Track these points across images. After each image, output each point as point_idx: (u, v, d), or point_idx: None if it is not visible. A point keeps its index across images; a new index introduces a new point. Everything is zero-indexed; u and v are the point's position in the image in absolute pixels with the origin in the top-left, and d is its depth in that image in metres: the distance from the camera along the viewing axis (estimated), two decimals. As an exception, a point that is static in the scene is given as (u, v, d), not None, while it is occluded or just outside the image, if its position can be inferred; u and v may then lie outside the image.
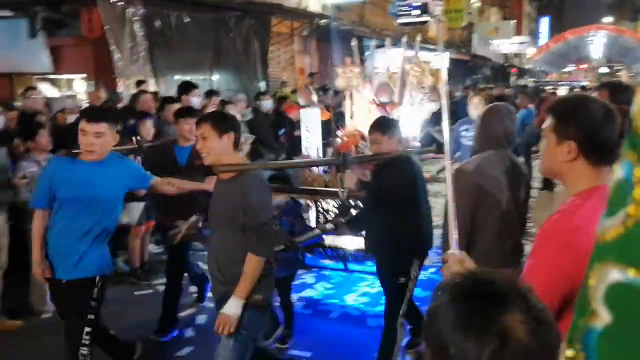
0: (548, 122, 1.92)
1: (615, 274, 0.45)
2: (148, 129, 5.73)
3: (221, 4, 10.93)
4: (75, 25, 9.44)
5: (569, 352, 0.51)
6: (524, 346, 0.89)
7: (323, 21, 14.34)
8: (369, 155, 5.46)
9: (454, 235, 2.38)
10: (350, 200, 5.71)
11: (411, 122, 6.13)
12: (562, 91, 19.70)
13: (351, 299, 5.41)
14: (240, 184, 2.95)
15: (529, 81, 29.78)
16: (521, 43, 30.94)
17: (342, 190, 3.84)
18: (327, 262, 5.66)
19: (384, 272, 4.01)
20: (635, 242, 0.44)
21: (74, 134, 5.93)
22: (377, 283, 5.99)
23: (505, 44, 29.34)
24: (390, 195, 3.71)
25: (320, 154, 6.08)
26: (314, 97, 6.09)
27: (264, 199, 3.00)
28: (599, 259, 0.48)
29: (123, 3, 9.16)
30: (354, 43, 6.39)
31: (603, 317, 0.47)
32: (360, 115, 6.14)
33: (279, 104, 9.19)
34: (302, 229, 4.39)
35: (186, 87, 6.91)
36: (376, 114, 5.69)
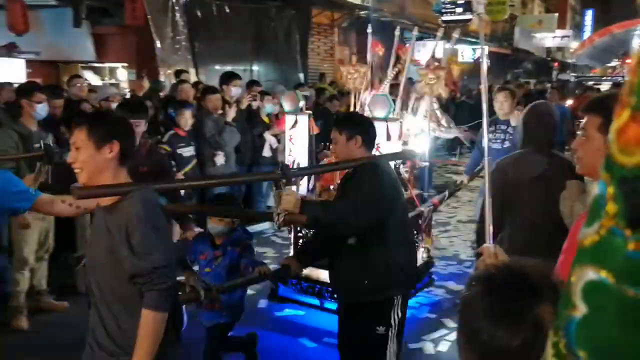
0: (590, 120, 1.86)
1: (591, 274, 0.54)
2: (186, 118, 5.80)
3: (262, -6, 10.99)
4: (119, 14, 9.58)
5: (554, 338, 0.59)
6: None
7: (363, 12, 14.24)
8: (319, 166, 4.58)
9: (489, 230, 2.43)
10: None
11: (422, 143, 5.27)
12: (604, 87, 19.20)
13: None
14: (122, 213, 2.17)
15: (571, 76, 29.13)
16: (564, 36, 30.23)
17: (278, 213, 2.79)
18: (303, 297, 4.84)
19: (354, 322, 3.15)
20: (606, 249, 0.53)
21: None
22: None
23: (548, 38, 28.72)
24: (354, 217, 2.86)
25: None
26: (302, 103, 5.14)
27: (156, 231, 2.18)
28: (579, 261, 0.56)
29: (166, -8, 9.28)
30: (397, 32, 5.93)
31: (580, 309, 0.55)
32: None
33: (318, 96, 9.18)
34: (250, 263, 3.58)
35: (227, 77, 6.95)
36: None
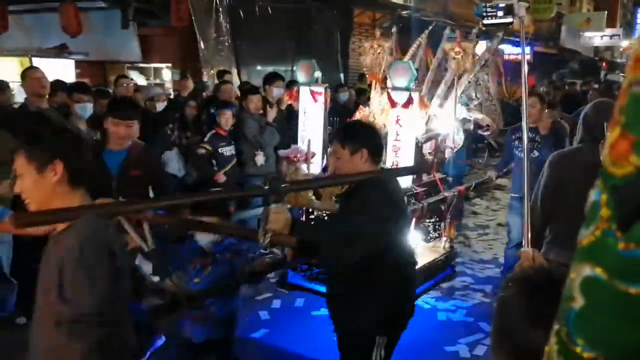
0: None
1: (587, 270, 0.61)
2: (227, 118, 5.92)
3: (305, -5, 11.06)
4: (164, 15, 9.80)
5: (556, 327, 0.67)
6: None
7: (405, 12, 14.17)
8: (318, 179, 4.04)
9: (527, 234, 2.45)
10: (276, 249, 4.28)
11: (448, 124, 4.99)
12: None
13: (422, 293, 5.41)
14: (61, 245, 1.88)
15: (620, 76, 28.29)
16: (614, 35, 29.36)
17: (265, 232, 2.40)
18: (313, 285, 4.63)
19: (338, 349, 2.94)
20: (600, 248, 0.60)
21: (162, 122, 6.23)
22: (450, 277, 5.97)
23: (596, 37, 27.95)
24: (348, 246, 2.48)
25: (319, 147, 4.65)
26: (317, 74, 4.76)
27: (92, 271, 1.81)
28: (578, 259, 0.64)
29: (210, -6, 9.45)
30: (424, 36, 5.47)
31: (578, 301, 0.62)
32: (377, 107, 4.80)
33: (358, 96, 9.21)
34: (244, 268, 3.34)
35: (270, 78, 7.06)
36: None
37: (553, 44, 24.99)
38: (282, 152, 4.56)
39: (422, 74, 5.26)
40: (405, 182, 4.12)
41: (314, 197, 4.12)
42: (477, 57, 5.02)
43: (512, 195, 5.74)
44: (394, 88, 4.29)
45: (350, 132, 2.89)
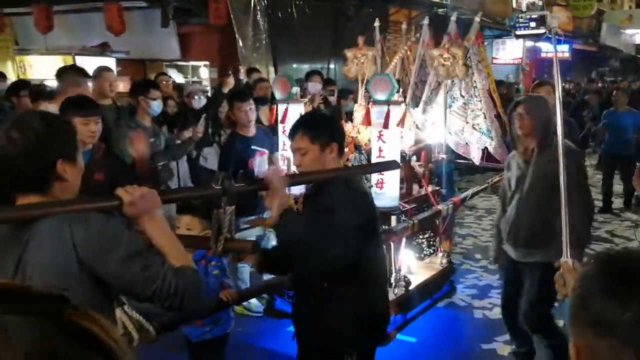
0: None
1: None
2: (265, 114, 6.01)
3: (341, -7, 11.09)
4: (204, 14, 9.95)
5: None
6: None
7: (441, 10, 14.08)
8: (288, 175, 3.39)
9: (566, 241, 2.18)
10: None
11: (438, 133, 4.80)
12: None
13: (459, 290, 5.40)
14: None
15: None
16: (657, 33, 28.55)
17: (219, 240, 2.11)
18: None
19: None
20: None
21: (198, 118, 6.33)
22: (485, 275, 5.92)
23: (638, 34, 27.23)
24: (315, 245, 2.34)
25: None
26: (295, 89, 4.45)
27: None
28: None
29: (248, -7, 9.56)
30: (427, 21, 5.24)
31: None
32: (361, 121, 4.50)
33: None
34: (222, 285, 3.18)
35: (308, 74, 7.13)
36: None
37: (593, 42, 24.46)
38: (259, 173, 4.22)
39: (424, 74, 5.05)
40: (392, 200, 3.92)
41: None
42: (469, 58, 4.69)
43: None
44: (374, 102, 3.98)
45: (318, 125, 2.65)
